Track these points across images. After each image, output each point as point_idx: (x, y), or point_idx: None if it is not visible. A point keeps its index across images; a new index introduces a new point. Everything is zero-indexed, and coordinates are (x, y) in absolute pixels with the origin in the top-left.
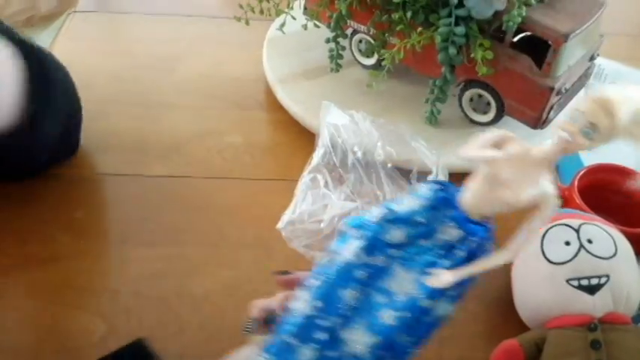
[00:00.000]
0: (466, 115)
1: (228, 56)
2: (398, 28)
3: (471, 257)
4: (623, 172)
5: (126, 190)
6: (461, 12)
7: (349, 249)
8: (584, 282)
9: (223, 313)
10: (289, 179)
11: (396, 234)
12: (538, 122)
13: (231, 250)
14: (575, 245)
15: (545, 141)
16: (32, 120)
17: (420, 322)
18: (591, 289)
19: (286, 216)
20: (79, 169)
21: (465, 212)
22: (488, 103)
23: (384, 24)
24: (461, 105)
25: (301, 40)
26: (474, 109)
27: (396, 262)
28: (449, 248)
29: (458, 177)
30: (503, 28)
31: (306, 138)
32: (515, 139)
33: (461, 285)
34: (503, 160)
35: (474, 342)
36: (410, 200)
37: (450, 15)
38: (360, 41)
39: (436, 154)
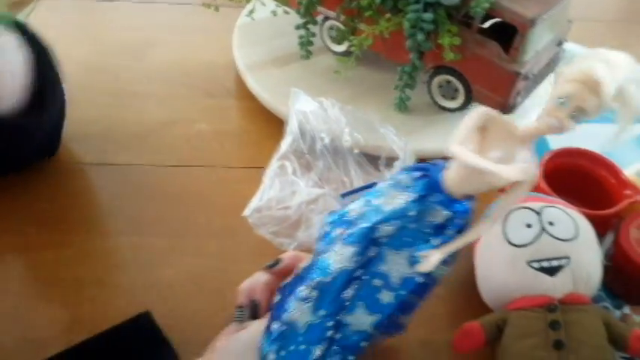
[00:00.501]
0: (435, 102)
1: (198, 43)
2: (366, 14)
3: (459, 233)
4: (588, 156)
5: (93, 180)
6: None
7: (343, 256)
8: (545, 264)
9: (188, 301)
10: (258, 167)
11: (387, 229)
12: (505, 107)
13: (198, 238)
14: (536, 228)
15: (529, 120)
16: (39, 104)
17: (421, 287)
18: (551, 271)
19: (253, 203)
20: (45, 160)
21: (449, 194)
22: (457, 90)
23: (353, 10)
24: (430, 91)
25: (271, 27)
26: (443, 96)
27: (386, 247)
28: (437, 228)
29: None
30: (470, 13)
31: (275, 125)
32: (499, 120)
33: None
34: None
35: (438, 324)
36: (398, 196)
37: (418, 1)
38: (331, 28)
39: (404, 141)
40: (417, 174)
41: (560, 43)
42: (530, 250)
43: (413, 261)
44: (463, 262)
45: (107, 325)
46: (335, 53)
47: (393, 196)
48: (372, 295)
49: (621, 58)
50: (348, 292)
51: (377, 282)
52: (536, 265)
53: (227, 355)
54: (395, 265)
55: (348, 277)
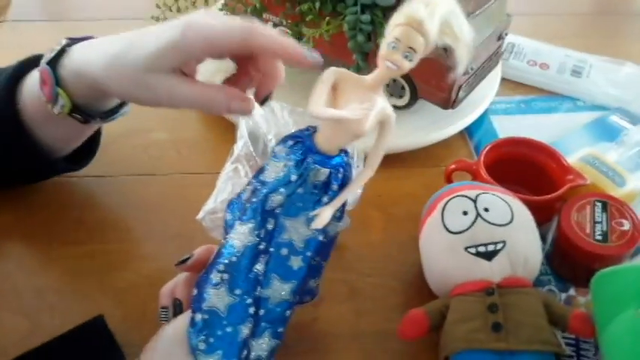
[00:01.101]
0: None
1: None
2: (307, 19)
3: (343, 185)
4: (531, 145)
5: (52, 193)
6: (365, 0)
7: (243, 234)
8: (482, 249)
9: (145, 303)
10: (216, 172)
11: (277, 199)
12: (448, 103)
13: (156, 243)
14: (472, 214)
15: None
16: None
17: (323, 247)
18: (488, 255)
19: (207, 206)
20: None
21: (324, 153)
22: (403, 87)
23: (296, 16)
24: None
25: None
26: (391, 94)
27: (282, 216)
28: (322, 187)
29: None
30: None
31: (232, 132)
32: (348, 75)
33: (342, 205)
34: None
35: (390, 314)
36: (277, 166)
37: (355, 4)
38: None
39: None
40: (291, 142)
41: (500, 38)
42: (466, 236)
43: (309, 223)
44: (413, 254)
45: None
46: None
47: (274, 168)
48: (282, 264)
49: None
50: (258, 267)
51: (284, 251)
52: (473, 250)
53: (155, 353)
54: (296, 231)
55: (253, 253)
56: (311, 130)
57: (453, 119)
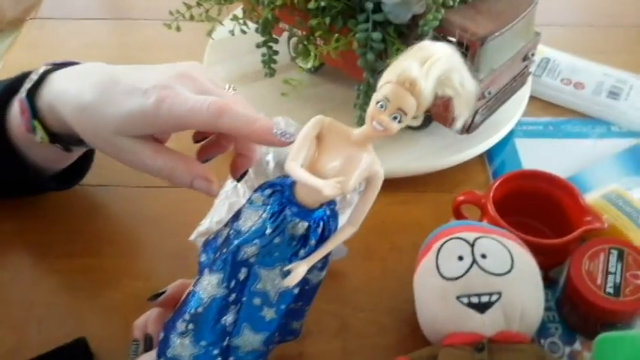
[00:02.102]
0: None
1: (168, 60)
2: (317, 35)
3: (322, 240)
4: (547, 179)
5: (50, 200)
6: (378, 17)
7: (211, 284)
8: (474, 299)
9: (129, 326)
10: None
11: (250, 250)
12: (462, 128)
13: (149, 260)
14: (468, 260)
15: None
16: None
17: (306, 293)
18: (481, 307)
19: (202, 226)
20: None
21: (303, 205)
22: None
23: (307, 28)
24: None
25: (246, 41)
26: None
27: (256, 266)
28: (301, 240)
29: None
30: (419, 32)
31: None
32: (335, 126)
33: (326, 255)
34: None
35: (381, 354)
36: (253, 215)
37: (367, 20)
38: (297, 44)
39: None
40: (269, 191)
41: (525, 58)
42: (460, 283)
43: (285, 275)
44: (408, 292)
45: (52, 347)
46: (303, 69)
47: (250, 217)
48: (254, 314)
49: (440, 51)
50: (228, 319)
51: (257, 301)
52: (465, 300)
53: None
54: (271, 282)
55: (220, 305)
56: (291, 180)
57: (471, 142)
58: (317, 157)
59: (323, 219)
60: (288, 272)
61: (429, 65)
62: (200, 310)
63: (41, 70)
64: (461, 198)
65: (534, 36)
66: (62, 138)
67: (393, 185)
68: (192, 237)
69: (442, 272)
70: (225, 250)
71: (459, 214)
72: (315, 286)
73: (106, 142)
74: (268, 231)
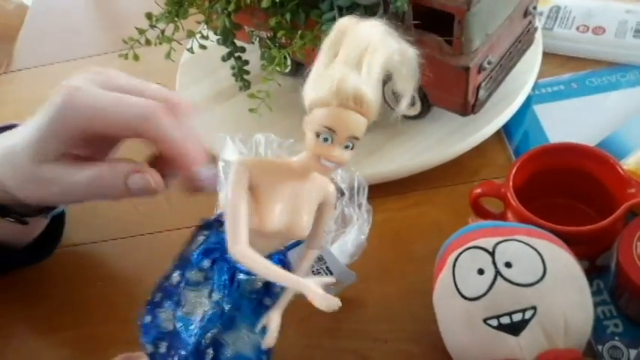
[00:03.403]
0: (392, 108)
1: None
2: (279, 35)
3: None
4: (574, 151)
5: (32, 271)
6: (343, 1)
7: None
8: (505, 320)
9: None
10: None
11: (212, 333)
12: (466, 108)
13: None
14: (490, 273)
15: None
16: None
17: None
18: (514, 328)
19: None
20: None
21: None
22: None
23: (269, 31)
24: (385, 100)
25: (214, 60)
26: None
27: (226, 333)
28: (261, 288)
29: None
30: (392, 10)
31: None
32: (265, 163)
33: None
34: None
35: None
36: (200, 298)
37: (332, 8)
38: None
39: (352, 172)
40: (208, 262)
41: (527, 14)
42: (485, 303)
43: (253, 328)
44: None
45: None
46: (268, 80)
47: (195, 303)
48: None
49: (369, 35)
50: None
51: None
52: (494, 322)
53: None
54: (241, 342)
55: None
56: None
57: (483, 121)
58: (258, 208)
59: (281, 261)
60: (264, 329)
61: (367, 65)
62: None
63: None
64: (477, 191)
65: None
66: (13, 209)
67: (401, 186)
68: None
69: (462, 291)
70: (183, 353)
71: (479, 209)
72: None
73: (32, 180)
74: (227, 307)
